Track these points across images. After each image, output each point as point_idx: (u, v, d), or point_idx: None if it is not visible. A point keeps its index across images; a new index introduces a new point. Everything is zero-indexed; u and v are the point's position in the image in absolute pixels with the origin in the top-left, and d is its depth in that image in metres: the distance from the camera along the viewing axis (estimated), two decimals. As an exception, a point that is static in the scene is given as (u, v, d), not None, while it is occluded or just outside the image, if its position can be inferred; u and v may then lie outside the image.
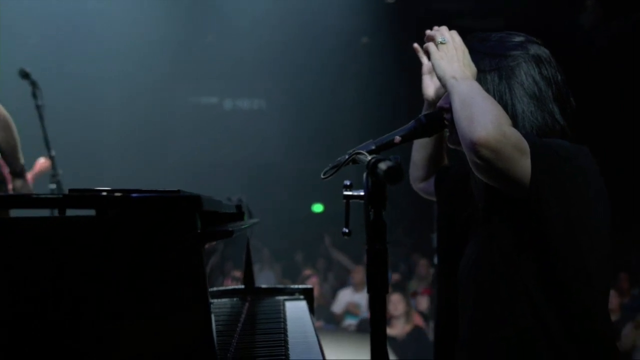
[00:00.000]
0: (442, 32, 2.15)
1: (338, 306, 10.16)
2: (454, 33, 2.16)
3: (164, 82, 11.75)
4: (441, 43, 2.12)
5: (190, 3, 11.53)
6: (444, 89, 2.11)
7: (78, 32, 10.60)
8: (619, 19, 9.75)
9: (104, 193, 1.71)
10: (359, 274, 10.29)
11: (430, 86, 2.58)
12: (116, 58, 10.92)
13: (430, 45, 2.15)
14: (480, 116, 1.88)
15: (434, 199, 2.59)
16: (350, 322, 9.77)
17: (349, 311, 9.94)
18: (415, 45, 2.55)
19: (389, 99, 11.90)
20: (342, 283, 10.89)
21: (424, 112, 2.55)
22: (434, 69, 2.12)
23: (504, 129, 1.87)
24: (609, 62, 9.42)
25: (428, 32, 2.19)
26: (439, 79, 2.09)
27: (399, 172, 1.48)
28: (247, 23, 11.14)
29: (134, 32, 10.78)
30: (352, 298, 10.08)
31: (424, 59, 2.55)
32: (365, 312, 9.78)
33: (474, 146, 1.86)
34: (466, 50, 2.12)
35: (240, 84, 12.73)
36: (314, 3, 11.01)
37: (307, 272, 10.87)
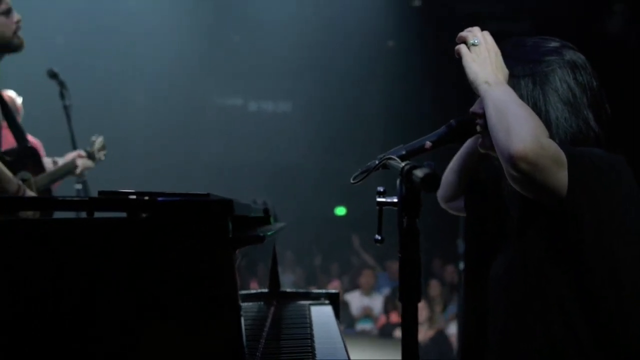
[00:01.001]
0: (474, 34, 2.11)
1: (353, 310, 10.15)
2: (487, 34, 2.12)
3: (190, 82, 11.78)
4: (473, 45, 2.08)
5: (217, 4, 11.55)
6: (477, 94, 2.07)
7: (104, 32, 10.65)
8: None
9: (134, 196, 1.69)
10: (368, 277, 10.29)
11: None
12: (142, 58, 10.96)
13: (462, 47, 2.10)
14: (518, 127, 1.85)
15: (463, 214, 2.54)
16: (365, 326, 9.74)
17: (367, 315, 9.93)
18: None
19: (414, 103, 11.86)
20: (356, 287, 10.89)
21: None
22: (465, 72, 2.09)
23: (541, 141, 1.84)
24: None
25: (460, 33, 2.16)
26: (470, 82, 2.06)
27: (436, 179, 1.46)
28: (273, 25, 11.15)
29: (160, 32, 10.83)
30: (363, 302, 10.07)
31: None
32: (377, 316, 9.78)
33: (512, 159, 1.83)
34: (499, 52, 2.08)
35: (265, 86, 12.72)
36: (340, 6, 11.01)
37: (335, 284, 10.79)
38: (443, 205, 2.62)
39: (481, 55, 2.06)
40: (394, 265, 10.78)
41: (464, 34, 2.14)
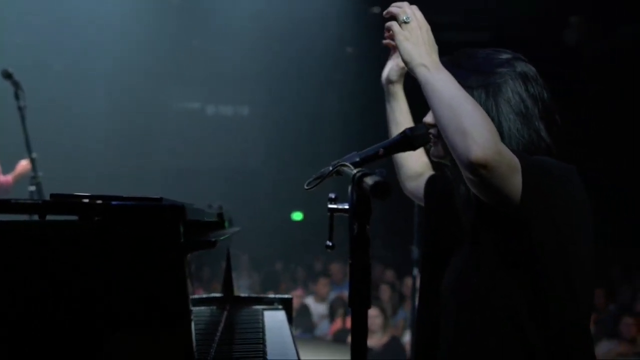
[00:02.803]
0: (404, 10, 2.04)
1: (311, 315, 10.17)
2: (415, 9, 2.05)
3: (148, 86, 11.70)
4: (404, 22, 2.02)
5: (176, 7, 11.51)
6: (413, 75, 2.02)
7: (61, 34, 10.53)
8: (608, 35, 9.80)
9: (86, 200, 1.68)
10: (324, 286, 10.34)
11: (385, 68, 2.64)
12: (100, 60, 10.87)
13: (394, 25, 2.04)
14: (474, 130, 1.82)
15: (421, 202, 2.58)
16: (324, 331, 9.76)
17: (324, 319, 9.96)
18: (386, 42, 2.47)
19: (372, 109, 11.86)
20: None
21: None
22: (398, 51, 2.03)
23: (499, 147, 1.83)
24: (598, 77, 9.46)
25: (389, 9, 2.07)
26: (405, 63, 2.01)
27: (385, 187, 1.46)
28: (232, 29, 11.12)
29: (119, 35, 10.74)
30: (317, 309, 10.11)
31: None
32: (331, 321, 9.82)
33: (471, 165, 1.81)
34: (429, 28, 2.02)
35: (223, 90, 12.69)
36: (300, 12, 11.01)
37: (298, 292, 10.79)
38: (406, 192, 2.70)
39: (413, 33, 2.00)
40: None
41: (393, 9, 2.06)
